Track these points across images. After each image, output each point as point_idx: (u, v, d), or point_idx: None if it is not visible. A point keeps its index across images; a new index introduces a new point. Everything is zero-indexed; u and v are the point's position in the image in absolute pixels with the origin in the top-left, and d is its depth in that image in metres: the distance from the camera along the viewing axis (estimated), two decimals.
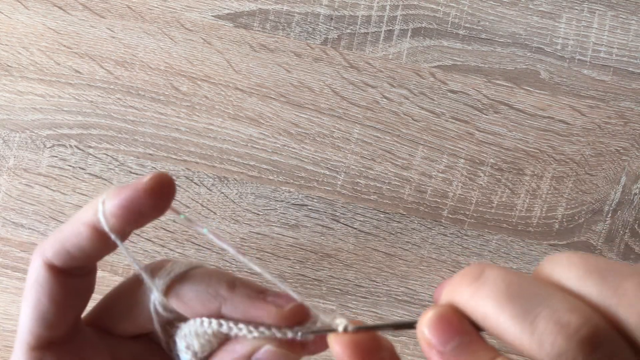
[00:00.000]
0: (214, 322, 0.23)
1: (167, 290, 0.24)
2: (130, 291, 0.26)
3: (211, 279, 0.24)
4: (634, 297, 0.16)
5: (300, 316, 0.23)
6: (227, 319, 0.23)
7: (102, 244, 0.23)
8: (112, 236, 0.22)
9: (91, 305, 0.27)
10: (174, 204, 0.24)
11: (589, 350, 0.16)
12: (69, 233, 0.23)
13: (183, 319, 0.24)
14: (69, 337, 0.25)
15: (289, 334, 0.22)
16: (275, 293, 0.24)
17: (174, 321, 0.24)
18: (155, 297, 0.24)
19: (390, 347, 0.21)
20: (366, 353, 0.20)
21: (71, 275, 0.24)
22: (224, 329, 0.23)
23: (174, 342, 0.24)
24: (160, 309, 0.24)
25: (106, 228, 0.22)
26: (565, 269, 0.18)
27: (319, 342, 0.23)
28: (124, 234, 0.23)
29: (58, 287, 0.23)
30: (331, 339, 0.21)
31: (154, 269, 0.25)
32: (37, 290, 0.23)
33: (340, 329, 0.21)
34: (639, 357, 0.16)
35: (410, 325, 0.20)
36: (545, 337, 0.16)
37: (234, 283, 0.24)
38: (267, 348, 0.22)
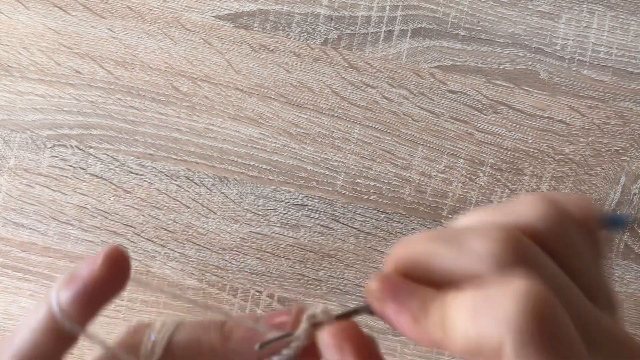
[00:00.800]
0: None
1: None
2: None
3: (202, 332, 0.22)
4: (526, 206, 0.19)
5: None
6: None
7: (64, 341, 0.21)
8: (71, 329, 0.20)
9: None
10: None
11: (515, 245, 0.18)
12: (24, 338, 0.21)
13: None
14: None
15: None
16: (270, 315, 0.23)
17: None
18: None
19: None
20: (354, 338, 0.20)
21: None
22: None
23: None
24: None
25: (68, 325, 0.20)
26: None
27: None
28: (85, 322, 0.21)
29: None
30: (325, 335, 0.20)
31: (131, 344, 0.22)
32: None
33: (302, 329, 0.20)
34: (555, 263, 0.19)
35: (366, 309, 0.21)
36: (476, 247, 0.18)
37: (225, 333, 0.22)
38: None
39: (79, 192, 0.44)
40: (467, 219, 0.21)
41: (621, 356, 0.18)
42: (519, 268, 0.17)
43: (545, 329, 0.16)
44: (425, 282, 0.19)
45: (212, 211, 0.44)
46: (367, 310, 0.20)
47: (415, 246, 0.19)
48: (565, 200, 0.20)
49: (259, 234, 0.44)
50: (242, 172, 0.44)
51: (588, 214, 0.21)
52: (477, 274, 0.18)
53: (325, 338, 0.20)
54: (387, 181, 0.44)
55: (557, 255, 0.19)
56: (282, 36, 0.44)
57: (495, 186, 0.44)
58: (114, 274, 0.21)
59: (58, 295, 0.20)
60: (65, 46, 0.44)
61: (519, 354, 0.16)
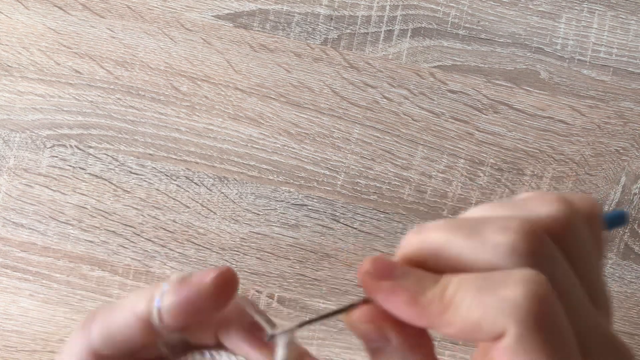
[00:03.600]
0: (197, 355, 0.23)
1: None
2: (138, 321, 0.23)
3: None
4: (540, 203, 0.19)
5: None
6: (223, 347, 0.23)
7: (152, 338, 0.21)
8: (165, 335, 0.21)
9: None
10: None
11: (535, 240, 0.18)
12: (118, 321, 0.21)
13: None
14: None
15: None
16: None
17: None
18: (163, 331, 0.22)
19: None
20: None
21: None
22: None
23: None
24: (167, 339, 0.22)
25: (160, 330, 0.20)
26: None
27: None
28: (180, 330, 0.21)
29: None
30: None
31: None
32: None
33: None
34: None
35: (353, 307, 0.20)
36: (495, 238, 0.18)
37: (235, 311, 0.22)
38: None
39: (78, 192, 0.44)
40: (478, 212, 0.21)
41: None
42: (533, 262, 0.17)
43: (548, 318, 0.16)
44: (433, 271, 0.19)
45: (211, 211, 0.44)
46: (362, 301, 0.20)
47: (432, 234, 0.19)
48: (574, 199, 0.20)
49: (258, 234, 0.44)
50: (242, 172, 0.44)
51: (593, 213, 0.20)
52: (492, 265, 0.18)
53: (362, 327, 0.19)
54: (387, 181, 0.44)
55: (568, 254, 0.19)
56: (282, 36, 0.44)
57: (496, 186, 0.44)
58: (221, 293, 0.21)
59: (162, 296, 0.20)
60: (64, 46, 0.44)
61: (521, 338, 0.16)
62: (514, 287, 0.16)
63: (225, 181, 0.44)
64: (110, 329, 0.21)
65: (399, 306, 0.18)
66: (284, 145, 0.44)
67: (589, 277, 0.19)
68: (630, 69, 0.44)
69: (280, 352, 0.20)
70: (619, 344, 0.19)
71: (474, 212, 0.21)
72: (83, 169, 0.44)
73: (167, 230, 0.44)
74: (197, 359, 0.23)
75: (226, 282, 0.21)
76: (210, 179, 0.44)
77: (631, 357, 0.19)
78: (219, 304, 0.21)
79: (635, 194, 0.44)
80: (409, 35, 0.44)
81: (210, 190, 0.44)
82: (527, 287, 0.16)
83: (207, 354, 0.23)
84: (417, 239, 0.19)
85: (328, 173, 0.44)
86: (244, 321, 0.22)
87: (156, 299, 0.21)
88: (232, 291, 0.21)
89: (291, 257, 0.44)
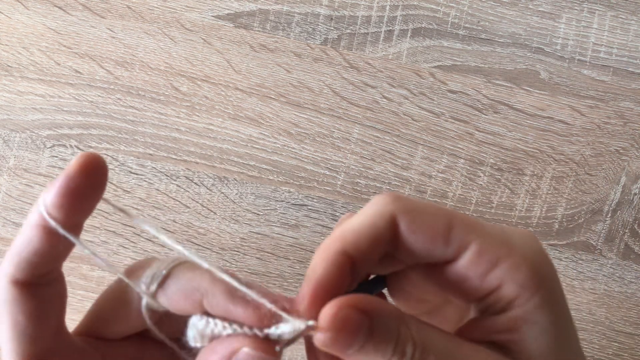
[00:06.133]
0: (198, 318, 0.23)
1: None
2: (117, 294, 0.25)
3: (194, 272, 0.24)
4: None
5: (276, 319, 0.22)
6: (211, 315, 0.23)
7: (57, 242, 0.23)
8: (60, 230, 0.22)
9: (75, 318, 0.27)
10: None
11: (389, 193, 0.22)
12: (22, 243, 0.23)
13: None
14: (55, 349, 0.24)
15: (267, 334, 0.22)
16: (262, 290, 0.23)
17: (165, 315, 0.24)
18: (145, 301, 0.23)
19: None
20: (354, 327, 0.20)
21: (39, 286, 0.24)
22: (201, 325, 0.23)
23: (181, 334, 0.24)
24: (150, 309, 0.24)
25: (52, 223, 0.22)
26: None
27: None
28: (75, 226, 0.23)
29: (30, 301, 0.23)
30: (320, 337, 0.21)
31: (138, 269, 0.24)
32: (10, 310, 0.23)
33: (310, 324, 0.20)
34: None
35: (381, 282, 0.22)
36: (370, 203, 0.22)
37: (216, 278, 0.23)
38: (246, 351, 0.22)
39: None
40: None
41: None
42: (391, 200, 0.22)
43: (405, 196, 0.23)
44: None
45: (212, 211, 0.44)
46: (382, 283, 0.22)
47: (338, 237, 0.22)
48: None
49: (258, 234, 0.44)
50: (242, 172, 0.44)
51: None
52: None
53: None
54: (387, 181, 0.44)
55: None
56: (282, 36, 0.44)
57: (496, 186, 0.44)
58: (88, 172, 0.22)
59: (44, 198, 0.22)
60: (65, 46, 0.44)
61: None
62: (378, 196, 0.22)
63: (225, 181, 0.44)
64: (18, 253, 0.23)
65: (323, 269, 0.21)
66: (284, 145, 0.44)
67: None
68: (630, 69, 0.44)
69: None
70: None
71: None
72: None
73: (167, 230, 0.44)
74: (194, 322, 0.23)
75: (89, 159, 0.22)
76: (210, 179, 0.44)
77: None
78: (93, 181, 0.22)
79: (635, 194, 0.44)
80: (409, 35, 0.44)
81: (210, 190, 0.44)
82: (384, 194, 0.22)
83: (203, 318, 0.23)
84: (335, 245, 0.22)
85: (328, 173, 0.44)
86: (224, 287, 0.23)
87: (40, 203, 0.22)
88: (99, 165, 0.22)
89: (291, 257, 0.44)
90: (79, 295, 0.44)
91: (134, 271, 0.25)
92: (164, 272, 0.24)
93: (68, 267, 0.44)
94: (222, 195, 0.44)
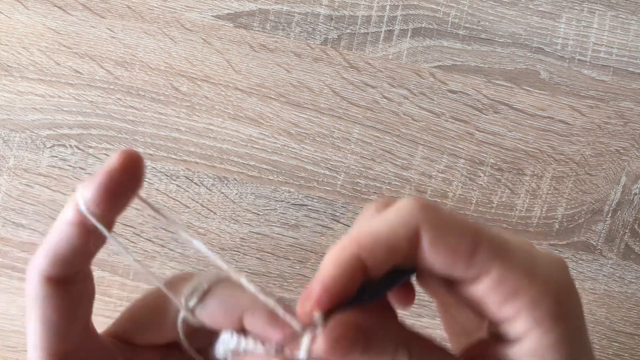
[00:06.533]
0: (229, 335, 0.23)
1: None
2: (156, 303, 0.25)
3: (235, 289, 0.24)
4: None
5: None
6: (249, 333, 0.23)
7: (91, 239, 0.23)
8: (101, 228, 0.22)
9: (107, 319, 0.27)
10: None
11: (417, 199, 0.21)
12: (57, 239, 0.23)
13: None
14: (81, 347, 0.24)
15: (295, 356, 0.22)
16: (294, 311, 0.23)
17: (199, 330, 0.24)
18: (184, 314, 0.24)
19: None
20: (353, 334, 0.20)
21: (70, 283, 0.24)
22: (233, 342, 0.23)
23: (210, 348, 0.24)
24: (185, 322, 0.24)
25: (92, 220, 0.22)
26: None
27: None
28: (109, 223, 0.23)
29: (61, 298, 0.23)
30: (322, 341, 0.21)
31: (178, 282, 0.25)
32: (41, 305, 0.23)
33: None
34: None
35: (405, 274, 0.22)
36: (392, 209, 0.21)
37: (256, 300, 0.23)
38: None
39: None
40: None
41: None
42: (421, 206, 0.21)
43: (435, 206, 0.21)
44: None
45: (211, 211, 0.44)
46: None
47: (346, 244, 0.21)
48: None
49: (258, 234, 0.44)
50: (242, 172, 0.44)
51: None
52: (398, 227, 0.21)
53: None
54: (387, 181, 0.44)
55: None
56: (282, 36, 0.44)
57: (496, 186, 0.44)
58: (127, 170, 0.22)
59: (82, 194, 0.22)
60: (64, 46, 0.44)
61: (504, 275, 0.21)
62: (404, 201, 0.21)
63: (225, 181, 0.44)
64: (53, 249, 0.23)
65: (335, 277, 0.20)
66: (284, 145, 0.44)
67: None
68: (630, 69, 0.44)
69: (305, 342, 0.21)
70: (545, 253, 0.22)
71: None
72: (83, 169, 0.44)
73: (167, 230, 0.44)
74: (225, 338, 0.23)
75: (129, 156, 0.22)
76: (210, 179, 0.44)
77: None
78: (131, 178, 0.22)
79: (635, 194, 0.44)
80: (409, 35, 0.44)
81: (210, 190, 0.44)
82: (412, 199, 0.21)
83: (234, 335, 0.23)
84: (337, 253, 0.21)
85: (328, 173, 0.44)
86: (266, 307, 0.23)
87: (78, 199, 0.22)
88: (138, 162, 0.22)
89: (291, 257, 0.44)
90: None
91: (174, 284, 0.25)
92: (205, 286, 0.24)
93: None
94: (222, 195, 0.44)
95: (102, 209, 0.22)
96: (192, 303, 0.24)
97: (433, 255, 0.20)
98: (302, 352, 0.21)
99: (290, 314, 0.22)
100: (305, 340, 0.20)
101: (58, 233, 0.23)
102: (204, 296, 0.24)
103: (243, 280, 0.22)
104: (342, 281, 0.20)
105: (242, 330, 0.23)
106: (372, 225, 0.21)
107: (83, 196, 0.22)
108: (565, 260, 0.44)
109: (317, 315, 0.20)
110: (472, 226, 0.20)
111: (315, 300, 0.20)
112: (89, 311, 0.25)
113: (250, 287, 0.22)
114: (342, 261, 0.20)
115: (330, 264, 0.20)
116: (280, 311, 0.22)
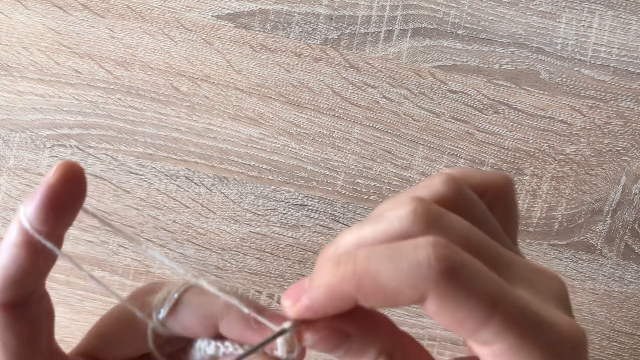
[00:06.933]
0: (206, 343, 0.23)
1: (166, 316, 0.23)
2: (123, 317, 0.25)
3: (207, 296, 0.23)
4: (428, 182, 0.21)
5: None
6: (225, 338, 0.23)
7: (41, 258, 0.22)
8: (50, 245, 0.21)
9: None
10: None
11: (420, 205, 0.19)
12: (5, 262, 0.22)
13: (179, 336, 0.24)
14: None
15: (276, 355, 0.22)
16: (272, 314, 0.23)
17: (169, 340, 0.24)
18: (154, 325, 0.23)
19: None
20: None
21: (26, 305, 0.23)
22: (210, 349, 0.23)
23: (184, 353, 0.24)
24: (159, 333, 0.23)
25: (39, 237, 0.21)
26: None
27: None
28: (57, 239, 0.22)
29: (19, 322, 0.22)
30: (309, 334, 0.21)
31: (145, 294, 0.24)
32: (0, 334, 0.22)
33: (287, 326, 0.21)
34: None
35: None
36: (394, 214, 0.20)
37: (229, 304, 0.23)
38: None
39: None
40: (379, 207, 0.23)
41: (540, 282, 0.20)
42: (428, 222, 0.19)
43: (459, 271, 0.18)
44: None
45: (211, 211, 0.44)
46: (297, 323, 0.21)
47: (344, 239, 0.20)
48: (470, 174, 0.22)
49: (258, 234, 0.44)
50: (242, 172, 0.44)
51: (497, 185, 0.23)
52: (401, 236, 0.19)
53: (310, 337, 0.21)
54: (387, 181, 0.44)
55: (466, 218, 0.20)
56: (282, 36, 0.44)
57: None
58: (69, 179, 0.21)
59: (25, 212, 0.21)
60: (64, 46, 0.44)
61: (442, 297, 0.18)
62: (422, 252, 0.18)
63: (225, 181, 0.44)
64: (2, 274, 0.22)
65: (324, 304, 0.19)
66: (284, 145, 0.44)
67: (495, 239, 0.21)
68: (630, 69, 0.44)
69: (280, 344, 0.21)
70: (539, 267, 0.20)
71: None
72: (83, 169, 0.44)
73: (167, 230, 0.44)
74: (201, 346, 0.23)
75: (68, 168, 0.22)
76: (210, 179, 0.44)
77: (558, 278, 0.21)
78: (73, 189, 0.22)
79: (635, 194, 0.44)
80: (409, 35, 0.44)
81: (210, 190, 0.44)
82: (433, 249, 0.18)
83: (211, 342, 0.23)
84: (333, 249, 0.21)
85: (328, 173, 0.44)
86: (240, 311, 0.23)
87: (21, 217, 0.21)
88: (78, 173, 0.22)
89: (291, 257, 0.44)
90: (79, 295, 0.44)
91: (141, 296, 0.24)
92: (175, 296, 0.23)
93: (68, 267, 0.44)
94: (222, 195, 0.44)
95: (48, 226, 0.21)
96: (162, 315, 0.23)
97: (437, 318, 0.19)
98: (279, 350, 0.21)
99: (263, 315, 0.22)
100: (281, 340, 0.21)
101: (5, 256, 0.22)
102: (175, 306, 0.23)
103: (203, 283, 0.22)
104: (329, 311, 0.20)
105: (217, 336, 0.23)
106: (379, 265, 0.18)
107: (26, 214, 0.21)
108: (566, 260, 0.44)
109: (288, 324, 0.20)
110: (491, 293, 0.18)
111: (296, 311, 0.20)
112: (50, 331, 0.24)
113: (214, 290, 0.22)
114: (336, 296, 0.19)
115: (323, 293, 0.19)
116: (254, 314, 0.22)
